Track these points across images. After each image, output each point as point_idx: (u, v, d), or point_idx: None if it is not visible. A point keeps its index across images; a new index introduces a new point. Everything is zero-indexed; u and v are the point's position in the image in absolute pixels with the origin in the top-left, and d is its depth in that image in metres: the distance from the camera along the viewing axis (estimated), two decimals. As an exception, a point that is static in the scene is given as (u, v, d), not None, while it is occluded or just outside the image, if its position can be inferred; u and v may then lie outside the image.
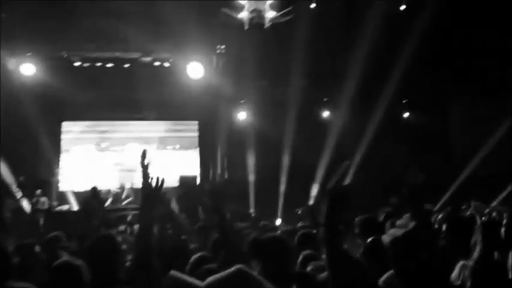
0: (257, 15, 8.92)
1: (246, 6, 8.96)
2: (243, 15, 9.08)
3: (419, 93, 11.17)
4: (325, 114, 11.88)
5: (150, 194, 1.98)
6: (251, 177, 11.39)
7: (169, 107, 11.47)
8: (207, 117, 11.73)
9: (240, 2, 9.05)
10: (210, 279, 1.28)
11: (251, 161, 11.42)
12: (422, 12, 9.01)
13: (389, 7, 9.12)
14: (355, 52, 9.64)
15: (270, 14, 9.00)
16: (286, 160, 11.22)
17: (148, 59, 10.29)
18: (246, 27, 9.06)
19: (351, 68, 9.89)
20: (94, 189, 9.72)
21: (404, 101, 11.84)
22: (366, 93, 10.47)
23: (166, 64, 10.55)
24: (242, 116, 11.56)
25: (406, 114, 11.95)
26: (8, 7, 8.93)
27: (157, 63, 10.45)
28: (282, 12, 9.06)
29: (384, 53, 9.74)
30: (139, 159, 2.78)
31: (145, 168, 2.58)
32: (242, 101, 11.46)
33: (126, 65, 10.43)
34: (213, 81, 10.68)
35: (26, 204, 10.00)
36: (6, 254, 2.29)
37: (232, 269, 1.29)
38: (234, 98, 11.22)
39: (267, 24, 8.98)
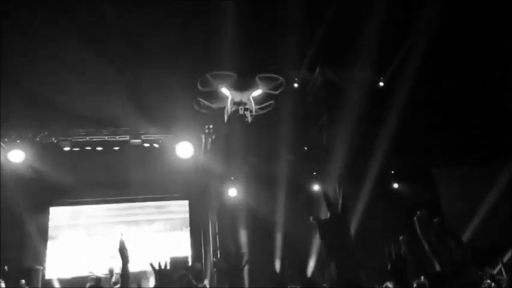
0: (241, 107, 8.91)
1: (229, 98, 8.92)
2: (224, 105, 9.11)
3: (407, 163, 11.32)
4: (315, 187, 11.89)
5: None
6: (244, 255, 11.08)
7: (159, 187, 11.46)
8: (197, 195, 11.70)
9: (223, 92, 9.10)
10: None
11: (243, 238, 11.21)
12: (402, 86, 9.39)
13: (369, 83, 9.53)
14: (340, 126, 9.91)
15: (252, 106, 9.00)
16: (278, 236, 11.05)
17: (137, 141, 10.42)
18: (226, 118, 9.09)
19: (338, 142, 10.11)
20: (99, 279, 9.37)
21: (392, 172, 11.96)
22: (353, 165, 10.59)
23: (156, 145, 10.66)
24: (233, 192, 11.52)
25: (395, 185, 12.01)
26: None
27: (146, 145, 10.56)
28: (263, 105, 9.16)
29: (368, 126, 10.00)
30: (118, 245, 2.77)
31: (123, 254, 2.59)
32: (232, 178, 11.48)
33: (116, 148, 10.52)
34: (202, 159, 10.79)
35: (9, 296, 9.55)
36: None
37: None
38: (224, 175, 11.26)
39: (249, 116, 8.98)
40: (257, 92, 9.16)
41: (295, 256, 11.04)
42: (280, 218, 11.00)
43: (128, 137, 10.37)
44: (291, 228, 10.70)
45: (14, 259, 10.23)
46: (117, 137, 10.36)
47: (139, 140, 10.48)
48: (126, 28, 8.47)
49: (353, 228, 10.30)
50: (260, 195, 11.08)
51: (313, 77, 9.66)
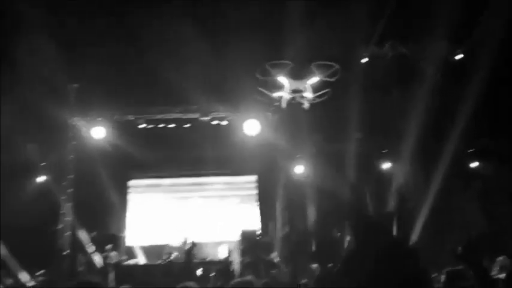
0: (297, 95, 9.03)
1: (286, 86, 8.95)
2: (282, 94, 9.18)
3: (485, 142, 10.48)
4: (386, 166, 11.48)
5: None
6: (312, 231, 11.20)
7: (228, 163, 11.83)
8: (265, 171, 11.86)
9: (280, 81, 9.08)
10: None
11: (312, 214, 11.26)
12: (480, 59, 8.63)
13: (444, 56, 8.85)
14: (414, 101, 9.39)
15: (309, 95, 9.04)
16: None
17: (206, 118, 10.76)
18: (284, 106, 9.21)
19: (411, 118, 9.62)
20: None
21: (471, 150, 11.14)
22: (428, 143, 10.04)
23: (224, 122, 10.95)
24: (300, 169, 11.53)
25: (473, 164, 11.17)
26: (80, 78, 9.96)
27: (215, 122, 10.88)
28: (320, 93, 9.14)
29: (443, 100, 9.36)
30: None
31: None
32: (298, 155, 11.48)
33: (187, 125, 10.97)
34: (269, 136, 10.90)
35: (97, 259, 10.55)
36: None
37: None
38: (290, 152, 11.29)
39: (306, 104, 9.10)
40: (313, 80, 9.11)
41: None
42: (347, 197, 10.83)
43: (198, 115, 10.75)
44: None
45: (100, 227, 11.26)
46: (188, 114, 10.78)
47: (209, 118, 10.82)
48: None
49: (426, 210, 9.92)
50: (327, 173, 10.96)
51: (383, 51, 9.19)
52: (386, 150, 11.47)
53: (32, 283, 8.88)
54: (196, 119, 10.83)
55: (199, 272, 9.89)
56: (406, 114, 9.50)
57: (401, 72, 9.23)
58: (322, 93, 9.06)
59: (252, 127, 10.65)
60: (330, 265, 6.55)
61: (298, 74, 8.85)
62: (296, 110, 9.87)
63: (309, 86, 8.97)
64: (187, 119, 10.85)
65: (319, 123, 10.11)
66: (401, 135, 9.93)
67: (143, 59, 9.53)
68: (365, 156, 10.63)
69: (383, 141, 10.97)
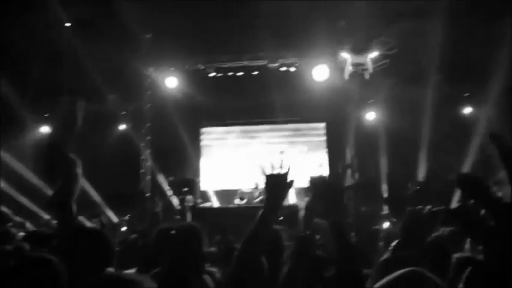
0: (359, 68, 9.85)
1: (349, 61, 9.82)
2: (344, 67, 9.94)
3: None
4: (467, 111, 10.65)
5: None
6: (384, 180, 10.95)
7: (297, 109, 11.73)
8: (334, 118, 11.62)
9: (343, 55, 9.95)
10: (385, 280, 1.30)
11: (383, 162, 10.94)
12: None
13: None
14: (499, 41, 8.44)
15: (371, 67, 9.77)
16: (423, 162, 10.43)
17: (275, 65, 10.63)
18: (347, 77, 9.98)
19: (496, 59, 8.69)
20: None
21: None
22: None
23: (292, 69, 10.75)
24: (371, 116, 11.12)
25: None
26: (152, 28, 10.22)
27: (283, 69, 10.72)
28: (380, 63, 9.69)
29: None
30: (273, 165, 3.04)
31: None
32: (371, 101, 11.03)
33: (255, 72, 10.95)
34: (339, 82, 10.54)
35: (175, 202, 11.29)
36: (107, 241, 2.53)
37: (408, 270, 1.30)
38: (362, 98, 10.88)
39: (367, 76, 9.84)
40: (374, 54, 9.75)
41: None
42: (424, 143, 10.30)
43: (265, 62, 10.65)
44: (438, 154, 9.99)
45: (176, 172, 11.94)
46: (256, 61, 10.72)
47: (277, 64, 10.67)
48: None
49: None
50: (401, 119, 10.46)
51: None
52: (468, 93, 10.60)
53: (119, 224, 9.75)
54: (264, 66, 10.74)
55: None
56: (493, 53, 8.58)
57: (488, 9, 8.25)
58: (381, 64, 9.73)
59: (321, 72, 10.35)
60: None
61: (359, 49, 9.70)
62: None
63: (370, 60, 9.78)
64: (256, 66, 10.80)
65: (394, 64, 9.53)
66: (487, 77, 9.07)
67: (212, 9, 9.52)
68: (444, 100, 9.93)
69: (466, 83, 10.11)
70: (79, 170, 4.71)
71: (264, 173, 1.82)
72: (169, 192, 11.46)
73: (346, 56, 9.89)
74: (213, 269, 2.92)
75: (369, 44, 9.62)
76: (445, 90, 9.80)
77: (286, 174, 1.85)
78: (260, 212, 1.79)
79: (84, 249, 2.30)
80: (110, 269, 2.34)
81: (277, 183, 1.84)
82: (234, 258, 1.73)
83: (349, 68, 9.92)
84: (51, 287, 1.83)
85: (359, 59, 9.76)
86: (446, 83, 9.82)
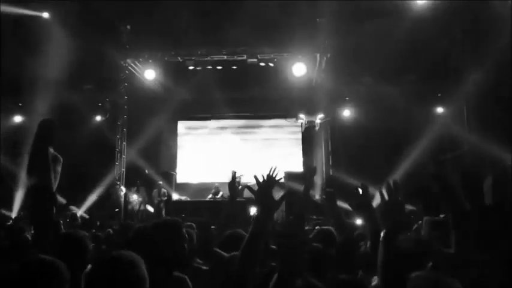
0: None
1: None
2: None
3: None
4: (439, 110, 10.94)
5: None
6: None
7: (274, 105, 11.87)
8: (311, 114, 11.75)
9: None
10: None
11: (357, 159, 11.13)
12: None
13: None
14: (477, 41, 8.69)
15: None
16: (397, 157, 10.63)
17: (254, 60, 10.70)
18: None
19: (470, 59, 8.95)
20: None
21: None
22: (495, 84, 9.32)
23: (271, 64, 10.84)
24: (347, 113, 11.32)
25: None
26: (132, 20, 10.14)
27: (262, 64, 10.80)
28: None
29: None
30: (230, 179, 3.19)
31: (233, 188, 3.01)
32: (347, 98, 11.23)
33: (234, 67, 10.99)
34: (317, 78, 10.70)
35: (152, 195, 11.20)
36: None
37: None
38: (338, 94, 11.06)
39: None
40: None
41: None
42: (398, 141, 10.53)
43: (245, 56, 10.70)
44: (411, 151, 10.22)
45: (153, 165, 11.87)
46: (235, 56, 10.75)
47: (256, 59, 10.74)
48: None
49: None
50: (376, 116, 10.69)
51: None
52: (440, 94, 10.89)
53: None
54: (244, 61, 10.79)
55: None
56: (467, 54, 8.83)
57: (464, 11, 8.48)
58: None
59: (299, 69, 10.49)
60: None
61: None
62: (345, 52, 9.55)
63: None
64: (235, 60, 10.84)
65: (370, 63, 9.71)
66: (459, 78, 9.32)
67: (194, 1, 9.51)
68: (418, 99, 10.18)
69: (438, 84, 10.38)
70: (59, 167, 4.74)
71: (257, 181, 1.96)
72: (143, 186, 11.31)
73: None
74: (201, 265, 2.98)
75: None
76: (418, 90, 10.05)
77: (273, 179, 1.99)
78: (254, 218, 1.93)
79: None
80: None
81: (268, 189, 1.97)
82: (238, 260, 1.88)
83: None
84: None
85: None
86: (419, 83, 10.07)
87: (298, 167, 11.96)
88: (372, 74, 10.05)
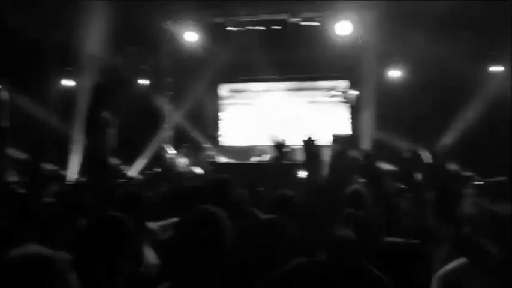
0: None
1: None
2: None
3: None
4: (494, 69, 10.26)
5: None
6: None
7: (318, 66, 11.54)
8: (358, 75, 11.37)
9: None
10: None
11: (405, 121, 10.77)
12: None
13: None
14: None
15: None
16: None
17: (296, 19, 10.35)
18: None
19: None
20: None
21: None
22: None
23: (314, 23, 10.45)
24: (395, 73, 10.86)
25: None
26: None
27: (304, 23, 10.43)
28: None
29: None
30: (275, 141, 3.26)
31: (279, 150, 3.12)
32: (396, 58, 10.74)
33: (275, 27, 10.70)
34: (363, 37, 10.25)
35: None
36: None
37: None
38: (386, 54, 10.59)
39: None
40: None
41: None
42: (449, 101, 10.04)
43: (286, 16, 10.36)
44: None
45: (197, 127, 12.04)
46: (275, 15, 10.44)
47: (299, 19, 10.38)
48: None
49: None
50: (427, 76, 10.19)
51: None
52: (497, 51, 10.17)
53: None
54: (285, 20, 10.46)
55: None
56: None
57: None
58: None
59: (344, 27, 10.08)
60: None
61: None
62: (394, 8, 9.02)
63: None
64: (277, 20, 10.52)
65: (421, 20, 9.14)
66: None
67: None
68: (472, 57, 9.57)
69: (494, 40, 9.69)
70: (113, 130, 4.92)
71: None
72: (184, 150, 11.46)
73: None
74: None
75: None
76: (473, 48, 9.42)
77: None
78: None
79: None
80: None
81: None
82: None
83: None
84: None
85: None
86: (475, 41, 9.43)
87: (345, 129, 11.77)
88: (423, 31, 9.46)
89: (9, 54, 9.04)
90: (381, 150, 9.36)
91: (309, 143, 3.55)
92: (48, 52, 10.33)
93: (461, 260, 1.27)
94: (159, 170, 10.54)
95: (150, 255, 2.52)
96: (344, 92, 12.04)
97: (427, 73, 10.22)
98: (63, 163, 9.97)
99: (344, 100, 12.10)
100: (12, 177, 8.01)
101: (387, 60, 10.85)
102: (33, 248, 1.33)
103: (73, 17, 9.32)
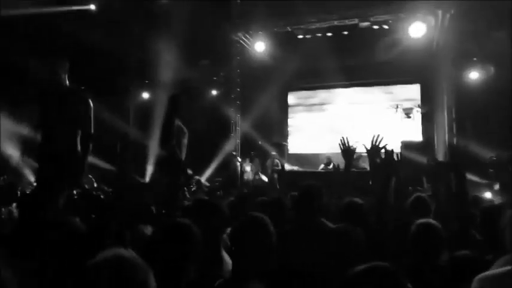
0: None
1: None
2: None
3: None
4: None
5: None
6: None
7: (389, 71, 11.15)
8: (431, 78, 10.82)
9: None
10: None
11: (485, 126, 10.02)
12: None
13: None
14: None
15: None
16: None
17: (366, 23, 10.11)
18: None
19: None
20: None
21: None
22: None
23: (386, 26, 10.14)
24: (474, 75, 10.15)
25: None
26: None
27: (376, 27, 10.16)
28: None
29: None
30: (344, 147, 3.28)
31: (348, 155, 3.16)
32: (475, 59, 10.04)
33: (345, 32, 10.54)
34: (437, 38, 9.74)
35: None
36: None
37: None
38: (463, 55, 9.95)
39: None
40: None
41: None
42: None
43: (356, 20, 10.17)
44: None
45: (265, 136, 12.18)
46: (346, 20, 10.28)
47: (369, 22, 10.14)
48: None
49: None
50: (510, 78, 9.40)
51: None
52: None
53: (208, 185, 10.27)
54: (355, 25, 10.26)
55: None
56: None
57: None
58: None
59: (417, 29, 9.65)
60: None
61: None
62: (472, 6, 8.49)
63: None
64: (346, 25, 10.35)
65: (502, 15, 8.49)
66: None
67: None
68: None
69: None
70: (185, 140, 5.16)
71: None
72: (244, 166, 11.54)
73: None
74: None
75: None
76: None
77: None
78: None
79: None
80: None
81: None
82: None
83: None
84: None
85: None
86: None
87: (416, 135, 11.22)
88: (505, 27, 8.77)
89: (94, 70, 9.87)
90: (460, 157, 8.76)
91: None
92: (129, 68, 11.08)
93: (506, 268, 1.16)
94: (227, 177, 10.81)
95: (229, 261, 2.60)
96: (409, 110, 11.73)
97: (510, 73, 9.42)
98: (141, 172, 10.62)
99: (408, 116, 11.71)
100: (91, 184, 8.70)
101: (466, 62, 10.18)
102: (119, 251, 1.35)
103: (150, 35, 9.93)
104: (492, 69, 10.02)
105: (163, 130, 5.14)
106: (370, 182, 3.54)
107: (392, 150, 2.72)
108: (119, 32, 9.87)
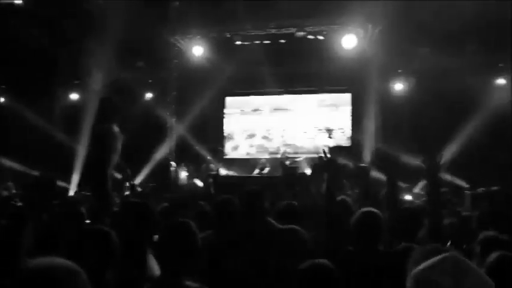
0: None
1: None
2: None
3: None
4: (501, 82, 10.30)
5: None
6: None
7: (322, 80, 11.63)
8: (361, 88, 11.43)
9: None
10: (421, 267, 1.26)
11: (408, 133, 10.77)
12: None
13: None
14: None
15: None
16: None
17: (302, 33, 10.44)
18: None
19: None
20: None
21: None
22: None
23: (320, 37, 10.55)
24: (399, 86, 10.91)
25: None
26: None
27: (311, 37, 10.53)
28: None
29: None
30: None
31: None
32: (399, 71, 10.80)
33: (282, 41, 10.80)
34: (367, 50, 10.33)
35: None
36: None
37: (445, 255, 1.25)
38: (390, 67, 10.65)
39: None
40: None
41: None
42: (453, 114, 10.01)
43: (293, 30, 10.47)
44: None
45: (201, 140, 12.07)
46: (283, 29, 10.54)
47: (305, 32, 10.48)
48: None
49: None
50: (430, 89, 10.22)
51: None
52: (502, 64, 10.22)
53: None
54: (291, 34, 10.57)
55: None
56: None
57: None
58: None
59: (349, 41, 10.15)
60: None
61: None
62: (400, 22, 9.10)
63: None
64: (283, 34, 10.63)
65: (427, 32, 9.21)
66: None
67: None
68: (476, 70, 9.61)
69: (501, 53, 9.73)
70: (119, 145, 4.93)
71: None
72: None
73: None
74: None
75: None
76: (479, 60, 9.47)
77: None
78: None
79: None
80: None
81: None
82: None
83: None
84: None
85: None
86: (481, 54, 9.48)
87: (345, 140, 11.82)
88: (429, 44, 9.54)
89: (16, 64, 9.18)
90: (383, 161, 9.33)
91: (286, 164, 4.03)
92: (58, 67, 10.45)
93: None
94: (161, 182, 10.56)
95: (154, 265, 2.56)
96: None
97: (432, 86, 10.24)
98: (67, 177, 10.01)
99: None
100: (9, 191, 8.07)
101: (391, 73, 10.90)
102: (51, 260, 1.29)
103: (84, 34, 9.45)
104: (414, 81, 10.81)
105: (92, 136, 4.92)
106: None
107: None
108: (47, 29, 9.28)
